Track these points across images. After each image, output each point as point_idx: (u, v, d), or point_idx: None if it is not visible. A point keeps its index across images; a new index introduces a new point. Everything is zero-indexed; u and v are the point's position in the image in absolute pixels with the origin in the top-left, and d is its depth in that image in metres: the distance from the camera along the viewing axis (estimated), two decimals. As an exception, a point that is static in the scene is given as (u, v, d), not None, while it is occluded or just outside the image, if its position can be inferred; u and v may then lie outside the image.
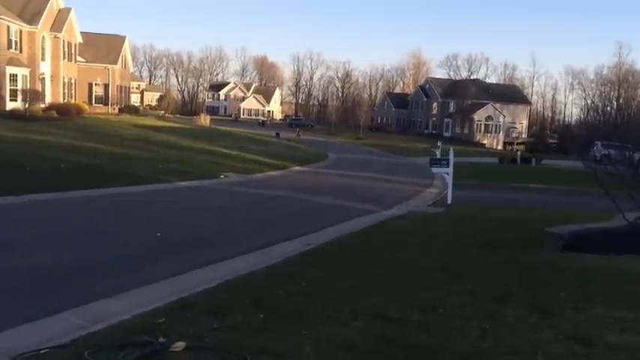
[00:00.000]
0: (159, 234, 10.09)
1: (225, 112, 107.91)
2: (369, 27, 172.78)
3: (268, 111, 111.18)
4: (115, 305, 6.02)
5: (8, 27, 35.26)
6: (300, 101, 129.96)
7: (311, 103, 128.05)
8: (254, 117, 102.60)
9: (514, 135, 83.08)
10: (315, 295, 6.42)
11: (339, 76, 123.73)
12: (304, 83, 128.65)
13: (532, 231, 11.57)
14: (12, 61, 35.62)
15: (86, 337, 4.87)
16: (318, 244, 10.15)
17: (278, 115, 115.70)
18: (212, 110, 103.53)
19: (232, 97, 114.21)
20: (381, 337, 4.95)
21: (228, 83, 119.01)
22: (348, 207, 16.37)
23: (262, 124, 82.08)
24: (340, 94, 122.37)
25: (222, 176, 21.48)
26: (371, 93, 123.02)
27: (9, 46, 35.40)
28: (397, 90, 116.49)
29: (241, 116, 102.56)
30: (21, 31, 36.85)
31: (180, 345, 4.53)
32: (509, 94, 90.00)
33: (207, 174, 21.40)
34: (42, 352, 4.44)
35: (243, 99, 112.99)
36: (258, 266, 8.06)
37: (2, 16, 34.30)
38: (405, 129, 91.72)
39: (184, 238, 10.28)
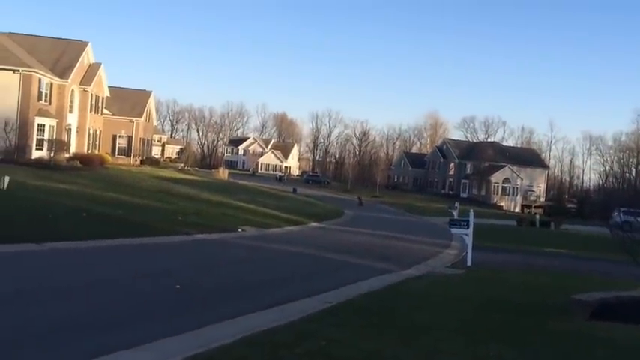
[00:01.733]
0: (178, 286, 10.02)
1: (243, 167, 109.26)
2: (388, 88, 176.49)
3: (286, 167, 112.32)
4: (131, 358, 5.92)
5: (40, 80, 36.64)
6: (317, 158, 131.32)
7: (328, 160, 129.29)
8: (271, 172, 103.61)
9: (532, 198, 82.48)
10: (336, 355, 6.26)
11: (357, 134, 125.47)
12: (322, 141, 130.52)
13: (555, 296, 11.29)
14: (41, 112, 36.79)
15: (105, 390, 4.78)
16: (337, 302, 9.98)
17: (295, 171, 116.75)
18: (230, 164, 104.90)
19: (251, 152, 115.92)
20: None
21: (248, 138, 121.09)
22: (365, 265, 16.18)
23: (279, 179, 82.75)
24: (357, 152, 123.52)
25: (239, 230, 21.49)
26: (388, 152, 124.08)
27: (39, 98, 36.66)
28: (414, 150, 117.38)
29: (259, 171, 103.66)
30: (52, 84, 38.24)
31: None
32: (527, 157, 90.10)
33: (226, 227, 21.43)
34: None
35: (262, 154, 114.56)
36: (277, 323, 7.92)
37: (36, 70, 35.73)
38: (421, 188, 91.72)
39: (202, 291, 10.20)
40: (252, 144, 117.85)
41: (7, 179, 20.79)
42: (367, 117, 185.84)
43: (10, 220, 14.76)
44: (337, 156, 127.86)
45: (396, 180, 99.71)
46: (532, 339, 7.58)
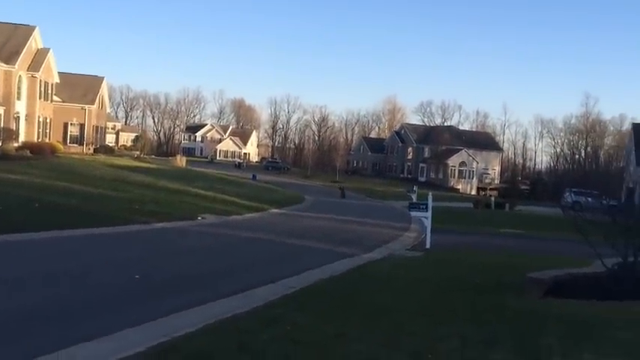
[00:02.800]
0: (137, 276, 9.85)
1: (201, 154, 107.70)
2: (346, 73, 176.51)
3: (245, 153, 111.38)
4: (94, 349, 5.81)
5: (-15, 65, 35.04)
6: (276, 144, 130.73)
7: (287, 146, 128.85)
8: (230, 159, 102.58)
9: (487, 181, 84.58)
10: (301, 340, 6.31)
11: (316, 120, 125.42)
12: (281, 126, 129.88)
13: (511, 275, 11.66)
14: (-14, 99, 35.25)
15: (66, 384, 4.68)
16: (300, 287, 10.03)
17: (254, 158, 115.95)
18: (188, 151, 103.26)
19: (209, 138, 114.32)
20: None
21: (205, 125, 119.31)
22: (327, 250, 16.29)
23: (239, 166, 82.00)
24: (317, 138, 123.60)
25: (199, 218, 21.25)
26: (347, 137, 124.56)
27: (-16, 85, 35.09)
28: (373, 135, 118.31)
29: (217, 158, 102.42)
30: (-3, 70, 36.63)
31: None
32: (482, 140, 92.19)
33: (185, 215, 21.15)
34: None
35: (220, 141, 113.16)
36: (241, 310, 7.90)
37: (-21, 55, 34.13)
38: (380, 173, 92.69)
39: (163, 280, 10.06)
40: (210, 130, 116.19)
41: (-48, 170, 19.91)
42: (326, 102, 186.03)
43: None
44: (296, 142, 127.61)
45: (355, 165, 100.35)
46: (490, 317, 7.81)
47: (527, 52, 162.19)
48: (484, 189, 78.67)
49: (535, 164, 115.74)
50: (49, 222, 14.86)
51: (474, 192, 79.38)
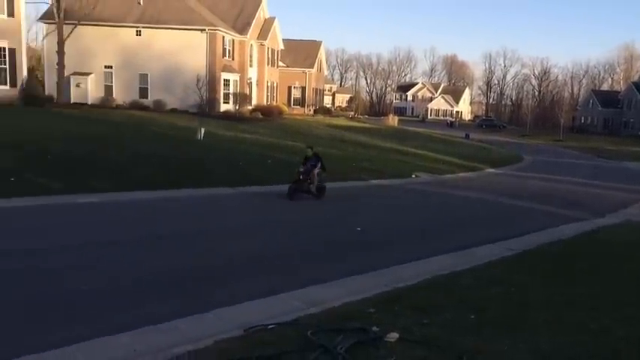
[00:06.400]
0: (359, 228, 10.39)
1: (412, 113, 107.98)
2: (571, 19, 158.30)
3: (457, 111, 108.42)
4: (326, 292, 6.33)
5: (223, 37, 39.57)
6: (491, 101, 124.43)
7: (503, 102, 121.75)
8: (442, 117, 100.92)
9: None
10: (527, 301, 6.04)
11: (536, 73, 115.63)
12: (496, 82, 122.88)
13: None
14: (225, 68, 39.91)
15: (304, 318, 5.19)
16: (521, 250, 9.53)
17: (467, 116, 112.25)
18: (399, 111, 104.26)
19: (420, 97, 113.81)
20: (614, 356, 4.42)
21: (416, 84, 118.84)
22: (548, 212, 15.16)
23: (450, 124, 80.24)
24: (536, 93, 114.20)
25: (413, 176, 21.44)
26: (572, 91, 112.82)
27: (223, 55, 39.70)
28: (604, 87, 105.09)
29: (429, 117, 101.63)
30: (233, 41, 41.10)
31: (394, 336, 4.57)
32: None
33: (398, 173, 21.53)
34: (269, 327, 4.83)
35: (431, 99, 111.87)
36: (460, 267, 7.84)
37: (220, 28, 38.62)
38: (613, 130, 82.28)
39: (381, 234, 10.45)
40: (420, 89, 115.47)
41: (202, 131, 23.12)
42: (547, 54, 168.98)
43: (209, 168, 16.48)
44: (513, 98, 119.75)
45: (582, 121, 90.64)
46: None
47: None
48: None
49: None
50: (280, 177, 16.42)
51: None
